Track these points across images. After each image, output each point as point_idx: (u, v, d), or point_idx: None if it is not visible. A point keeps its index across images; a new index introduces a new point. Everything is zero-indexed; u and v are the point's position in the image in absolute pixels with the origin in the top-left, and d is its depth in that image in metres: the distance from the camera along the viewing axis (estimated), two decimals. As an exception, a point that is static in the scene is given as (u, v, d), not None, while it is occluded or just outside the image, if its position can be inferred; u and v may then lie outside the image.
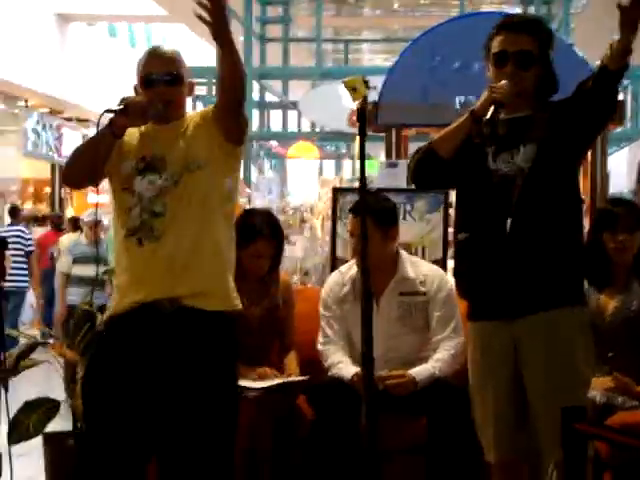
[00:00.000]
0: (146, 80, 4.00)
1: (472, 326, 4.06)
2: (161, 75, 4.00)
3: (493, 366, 3.98)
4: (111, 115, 3.95)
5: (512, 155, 3.87)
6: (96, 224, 9.64)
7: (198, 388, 3.87)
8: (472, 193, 3.97)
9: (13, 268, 12.10)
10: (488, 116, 3.78)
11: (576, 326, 3.93)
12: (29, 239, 13.09)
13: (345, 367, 4.85)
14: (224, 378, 3.97)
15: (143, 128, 4.00)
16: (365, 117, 4.01)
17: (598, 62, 3.87)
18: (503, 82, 3.89)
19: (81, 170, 4.03)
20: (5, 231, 13.18)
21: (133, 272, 3.95)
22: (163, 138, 4.00)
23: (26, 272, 12.79)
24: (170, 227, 3.92)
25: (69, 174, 4.16)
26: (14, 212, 14.66)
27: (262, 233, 4.97)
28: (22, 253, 12.70)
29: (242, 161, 9.59)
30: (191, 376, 3.85)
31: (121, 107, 3.85)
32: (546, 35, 4.04)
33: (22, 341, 5.88)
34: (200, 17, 3.66)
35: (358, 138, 4.09)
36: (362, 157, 3.89)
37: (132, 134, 4.00)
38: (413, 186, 5.37)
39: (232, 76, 3.75)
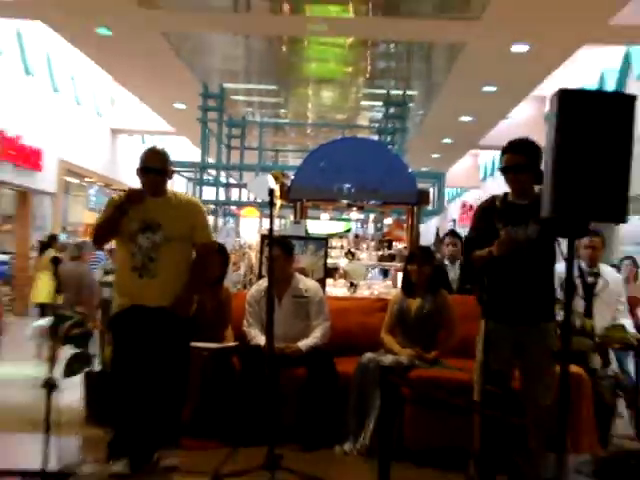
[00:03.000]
0: (144, 169, 4.96)
1: (488, 323, 4.66)
2: (154, 167, 4.97)
3: (499, 348, 4.67)
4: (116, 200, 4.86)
5: (521, 228, 4.68)
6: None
7: (171, 345, 4.98)
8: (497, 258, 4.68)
9: None
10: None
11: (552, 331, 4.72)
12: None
13: (259, 339, 5.90)
14: (184, 339, 5.09)
15: (144, 201, 4.92)
16: (273, 195, 5.13)
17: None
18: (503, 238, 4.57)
19: (103, 236, 5.03)
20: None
21: (134, 292, 4.91)
22: (157, 209, 4.91)
23: None
24: (161, 269, 4.89)
25: (96, 239, 5.08)
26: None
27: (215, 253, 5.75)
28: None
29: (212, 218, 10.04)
30: (168, 339, 4.96)
31: (127, 199, 4.83)
32: (534, 150, 4.74)
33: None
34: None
35: (270, 206, 5.17)
36: (271, 217, 5.07)
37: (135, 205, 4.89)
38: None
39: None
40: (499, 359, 4.70)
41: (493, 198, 4.89)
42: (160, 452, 5.02)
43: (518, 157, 4.76)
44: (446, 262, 7.98)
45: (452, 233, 8.35)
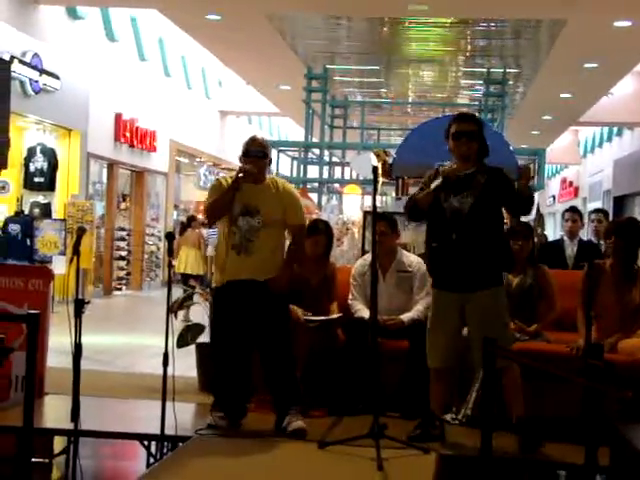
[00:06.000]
0: (246, 153, 5.25)
1: (435, 292, 5.15)
2: (256, 152, 5.23)
3: (447, 315, 5.03)
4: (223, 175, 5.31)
5: (462, 197, 4.91)
6: None
7: (269, 314, 5.22)
8: (437, 220, 5.03)
9: None
10: (435, 185, 4.92)
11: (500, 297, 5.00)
12: None
13: (363, 312, 5.94)
14: (282, 310, 5.35)
15: (244, 187, 5.20)
16: (376, 172, 5.24)
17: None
18: (447, 164, 4.90)
19: (220, 211, 5.27)
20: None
21: (232, 268, 5.24)
22: (257, 195, 5.21)
23: None
24: (257, 249, 5.19)
25: (211, 217, 5.43)
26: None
27: (320, 230, 6.18)
28: None
29: (316, 195, 11.06)
30: (265, 310, 5.21)
31: (248, 171, 5.10)
32: (480, 122, 5.12)
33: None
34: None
35: (373, 183, 5.38)
36: (374, 194, 5.30)
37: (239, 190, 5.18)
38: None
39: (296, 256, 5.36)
40: (446, 327, 4.97)
41: (439, 168, 5.04)
42: (289, 417, 5.21)
43: (470, 125, 4.93)
44: (565, 238, 7.82)
45: (572, 209, 8.14)
